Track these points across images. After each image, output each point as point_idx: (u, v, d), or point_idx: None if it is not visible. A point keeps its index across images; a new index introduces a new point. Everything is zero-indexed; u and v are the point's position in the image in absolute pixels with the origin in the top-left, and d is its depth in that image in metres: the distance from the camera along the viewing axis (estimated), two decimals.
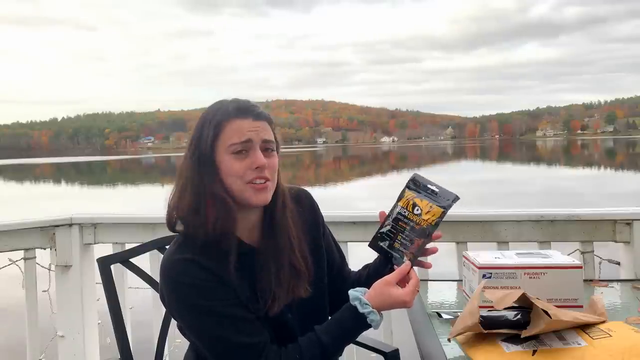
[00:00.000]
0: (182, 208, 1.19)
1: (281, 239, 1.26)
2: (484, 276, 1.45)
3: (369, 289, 1.24)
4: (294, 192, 1.36)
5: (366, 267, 1.45)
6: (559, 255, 1.54)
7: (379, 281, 1.22)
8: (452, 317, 1.42)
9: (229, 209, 1.18)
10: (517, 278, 1.44)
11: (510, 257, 1.52)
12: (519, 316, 1.21)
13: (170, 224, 1.24)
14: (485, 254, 1.55)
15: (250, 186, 1.19)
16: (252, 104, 1.22)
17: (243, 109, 1.19)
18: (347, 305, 1.23)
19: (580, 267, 1.47)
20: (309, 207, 1.39)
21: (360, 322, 1.21)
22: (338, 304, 1.45)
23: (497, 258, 1.51)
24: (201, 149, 1.18)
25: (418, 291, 1.25)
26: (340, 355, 1.29)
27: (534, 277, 1.44)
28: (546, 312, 1.14)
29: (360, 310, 1.19)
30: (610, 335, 1.15)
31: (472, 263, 1.51)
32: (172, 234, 1.26)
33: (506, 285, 1.41)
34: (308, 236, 1.35)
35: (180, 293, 1.16)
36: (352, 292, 1.22)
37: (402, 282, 1.22)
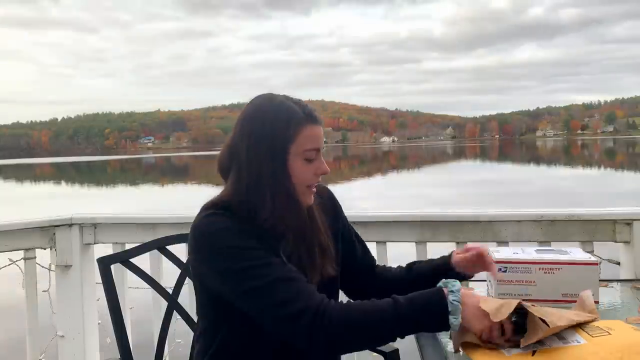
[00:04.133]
0: (249, 194, 1.17)
1: (311, 222, 1.28)
2: (499, 270, 1.46)
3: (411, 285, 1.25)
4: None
5: (413, 264, 1.48)
6: (579, 252, 1.55)
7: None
8: None
9: (301, 211, 1.21)
10: (532, 273, 1.45)
11: (529, 253, 1.53)
12: (515, 319, 1.20)
13: (218, 202, 1.21)
14: (504, 250, 1.58)
15: (309, 190, 1.23)
16: (314, 109, 1.23)
17: (313, 116, 1.21)
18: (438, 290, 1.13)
19: (596, 264, 1.46)
20: (329, 200, 1.43)
21: (442, 308, 1.10)
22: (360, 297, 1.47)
23: (515, 253, 1.52)
24: (276, 147, 1.17)
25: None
26: (401, 337, 1.17)
27: (549, 272, 1.45)
28: (543, 321, 1.13)
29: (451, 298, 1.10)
30: (610, 334, 1.15)
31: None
32: (172, 234, 1.26)
33: (521, 280, 1.44)
34: (329, 228, 1.36)
35: (215, 238, 1.14)
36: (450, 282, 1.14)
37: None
